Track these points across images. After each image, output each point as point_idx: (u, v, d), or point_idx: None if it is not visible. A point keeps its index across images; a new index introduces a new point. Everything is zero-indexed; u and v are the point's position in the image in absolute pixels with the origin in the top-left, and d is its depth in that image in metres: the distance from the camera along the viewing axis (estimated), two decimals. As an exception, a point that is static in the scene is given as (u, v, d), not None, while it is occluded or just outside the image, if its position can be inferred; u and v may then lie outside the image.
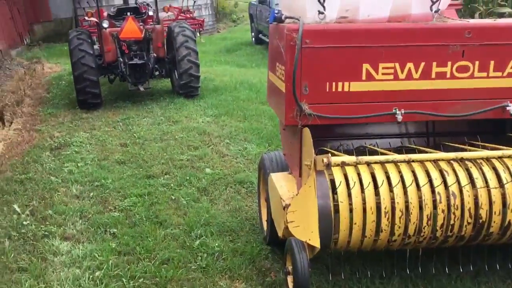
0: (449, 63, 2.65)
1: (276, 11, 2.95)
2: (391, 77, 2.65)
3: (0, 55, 13.24)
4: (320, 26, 2.58)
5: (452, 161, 2.56)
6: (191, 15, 16.62)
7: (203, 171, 4.90)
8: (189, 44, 7.74)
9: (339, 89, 2.64)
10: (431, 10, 2.66)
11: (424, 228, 2.51)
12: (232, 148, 5.57)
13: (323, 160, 2.37)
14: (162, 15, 8.16)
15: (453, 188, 2.48)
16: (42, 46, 16.85)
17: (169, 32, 8.09)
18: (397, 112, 2.67)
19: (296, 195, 2.65)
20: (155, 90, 8.89)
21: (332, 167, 2.45)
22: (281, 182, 2.99)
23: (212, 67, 11.09)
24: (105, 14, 8.39)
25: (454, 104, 2.72)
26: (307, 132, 2.61)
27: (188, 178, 4.70)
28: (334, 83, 2.63)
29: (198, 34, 16.27)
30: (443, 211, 2.49)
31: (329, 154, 2.41)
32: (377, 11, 2.68)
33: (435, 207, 2.53)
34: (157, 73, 8.14)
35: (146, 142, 5.89)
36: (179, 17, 15.72)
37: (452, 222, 2.51)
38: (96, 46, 8.09)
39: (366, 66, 2.62)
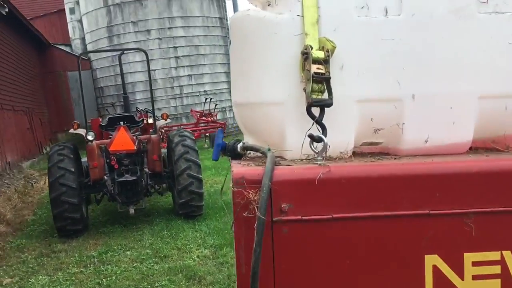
0: None
1: (222, 134, 1.41)
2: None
3: (7, 167, 12.46)
4: (315, 170, 1.11)
5: None
6: (212, 118, 15.88)
7: None
8: (189, 156, 6.45)
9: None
10: None
11: None
12: (227, 306, 3.96)
13: None
14: (160, 122, 7.00)
15: None
16: (61, 155, 16.17)
17: (168, 142, 6.90)
18: None
19: None
20: (156, 207, 7.52)
21: None
22: None
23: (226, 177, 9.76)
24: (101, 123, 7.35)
25: None
26: None
27: None
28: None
29: (205, 140, 14.72)
30: None
31: None
32: (448, 132, 1.21)
33: None
34: (153, 190, 6.83)
35: (114, 295, 4.35)
36: (200, 121, 15.02)
37: None
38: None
39: (431, 259, 1.10)
